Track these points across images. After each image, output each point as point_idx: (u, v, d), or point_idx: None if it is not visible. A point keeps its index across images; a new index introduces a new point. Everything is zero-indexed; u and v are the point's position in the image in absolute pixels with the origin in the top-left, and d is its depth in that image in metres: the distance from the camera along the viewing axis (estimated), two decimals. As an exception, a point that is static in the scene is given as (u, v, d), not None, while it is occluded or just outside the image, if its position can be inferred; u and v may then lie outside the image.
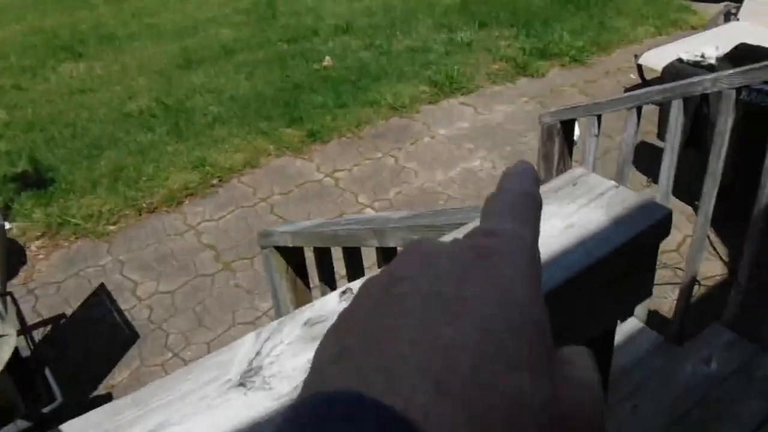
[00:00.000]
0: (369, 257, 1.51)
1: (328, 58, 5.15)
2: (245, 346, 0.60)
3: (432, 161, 4.02)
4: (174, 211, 3.54)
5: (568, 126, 2.16)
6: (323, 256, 1.73)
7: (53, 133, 4.16)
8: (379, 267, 1.36)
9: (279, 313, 1.89)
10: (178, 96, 4.62)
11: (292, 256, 1.86)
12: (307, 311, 0.62)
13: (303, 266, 1.92)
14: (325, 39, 5.57)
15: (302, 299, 1.95)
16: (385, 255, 1.31)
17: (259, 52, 5.40)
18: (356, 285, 0.66)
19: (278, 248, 1.83)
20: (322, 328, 0.61)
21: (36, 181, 3.65)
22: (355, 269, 1.53)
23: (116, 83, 4.83)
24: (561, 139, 2.11)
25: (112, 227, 3.40)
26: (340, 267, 1.69)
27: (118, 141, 4.07)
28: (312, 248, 1.74)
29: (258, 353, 0.59)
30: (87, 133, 4.18)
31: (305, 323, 0.62)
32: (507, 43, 5.39)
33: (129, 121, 4.32)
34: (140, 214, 3.47)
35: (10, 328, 0.89)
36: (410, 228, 1.20)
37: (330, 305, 0.64)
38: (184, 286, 3.06)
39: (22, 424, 0.81)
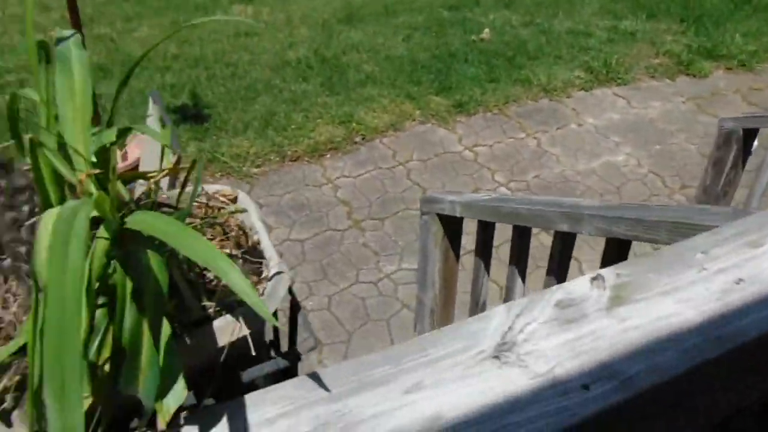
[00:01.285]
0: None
1: (486, 30, 4.95)
2: (496, 319, 0.60)
3: (576, 149, 3.78)
4: (315, 162, 3.53)
5: (749, 134, 1.92)
6: (485, 231, 1.64)
7: (215, 72, 4.25)
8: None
9: (423, 281, 1.82)
10: (335, 50, 4.58)
11: (450, 226, 1.77)
12: (558, 292, 0.62)
13: (458, 238, 1.83)
14: (485, 11, 5.35)
15: (450, 271, 1.86)
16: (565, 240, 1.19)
17: (420, 16, 5.26)
18: (606, 272, 0.65)
19: (439, 216, 1.75)
20: (574, 312, 0.62)
21: (194, 115, 3.74)
22: (521, 250, 1.44)
23: (280, 30, 4.86)
24: (738, 147, 1.88)
25: (255, 170, 3.44)
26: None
27: (273, 87, 4.10)
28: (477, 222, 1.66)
29: (510, 328, 0.60)
30: (246, 75, 4.23)
31: (556, 304, 0.62)
32: (673, 38, 4.96)
33: (286, 69, 4.33)
34: (283, 161, 3.48)
35: (284, 265, 0.83)
36: (612, 219, 1.08)
37: (580, 289, 0.63)
38: (315, 237, 3.05)
39: (281, 362, 0.78)
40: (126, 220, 0.70)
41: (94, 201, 0.70)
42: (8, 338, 0.92)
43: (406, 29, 5.02)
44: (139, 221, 0.69)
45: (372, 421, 0.78)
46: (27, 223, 0.86)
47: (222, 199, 0.99)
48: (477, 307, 2.11)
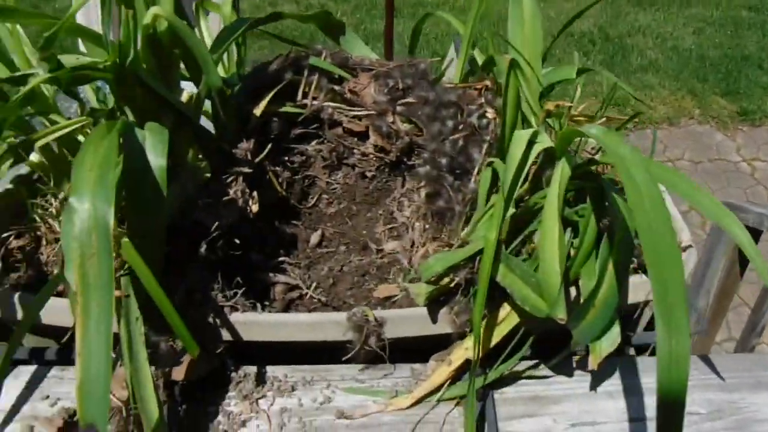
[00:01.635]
0: None
1: (792, 39, 4.43)
2: None
3: None
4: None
5: None
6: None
7: (499, 30, 4.23)
8: None
9: (698, 286, 1.70)
10: (621, 30, 4.36)
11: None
12: None
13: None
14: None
15: (731, 285, 1.71)
16: None
17: (715, 11, 4.84)
18: None
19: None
20: None
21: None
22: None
23: (566, 0, 4.72)
24: None
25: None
26: None
27: (552, 56, 4.00)
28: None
29: None
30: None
31: None
32: None
33: (567, 40, 4.21)
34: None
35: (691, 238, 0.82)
36: None
37: None
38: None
39: None
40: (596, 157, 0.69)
41: (561, 134, 0.69)
42: (398, 237, 0.98)
43: (698, 22, 4.64)
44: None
45: (768, 424, 0.72)
46: (451, 138, 0.89)
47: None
48: (753, 330, 1.93)
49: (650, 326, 0.85)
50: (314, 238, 0.97)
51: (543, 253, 0.64)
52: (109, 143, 0.62)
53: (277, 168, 0.95)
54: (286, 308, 0.86)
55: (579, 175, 0.73)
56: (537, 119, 0.80)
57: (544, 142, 0.72)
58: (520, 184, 0.71)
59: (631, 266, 0.78)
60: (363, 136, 0.98)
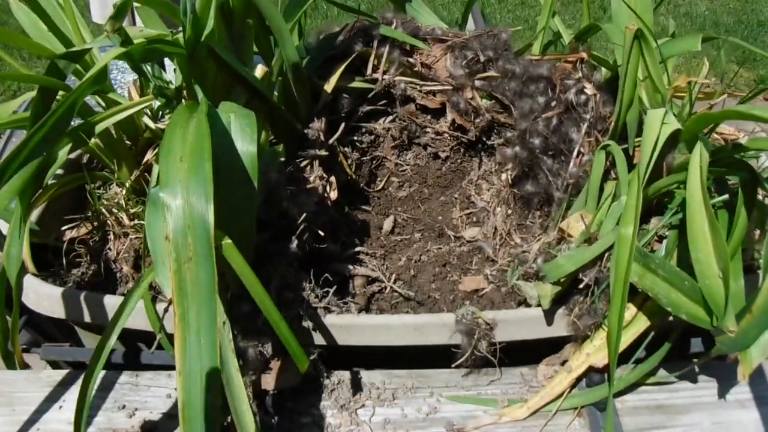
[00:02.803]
0: None
1: (807, 4, 4.34)
2: None
3: None
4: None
5: None
6: None
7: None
8: None
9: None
10: (632, -4, 4.24)
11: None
12: None
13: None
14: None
15: None
16: None
17: (727, -25, 4.72)
18: None
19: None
20: None
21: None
22: None
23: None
24: None
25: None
26: None
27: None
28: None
29: None
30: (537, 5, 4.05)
31: None
32: None
33: (576, 6, 4.09)
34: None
35: None
36: None
37: None
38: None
39: None
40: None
41: (699, 116, 0.61)
42: (478, 223, 0.90)
43: (711, -13, 4.53)
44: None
45: None
46: (544, 115, 0.81)
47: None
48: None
49: None
50: (387, 224, 0.89)
51: (696, 253, 0.56)
52: (199, 128, 0.54)
53: (346, 149, 0.87)
54: (368, 303, 0.78)
55: (719, 162, 0.65)
56: (659, 97, 0.72)
57: (672, 123, 0.64)
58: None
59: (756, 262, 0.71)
60: (437, 114, 0.90)
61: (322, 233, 0.72)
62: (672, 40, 0.78)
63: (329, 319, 0.66)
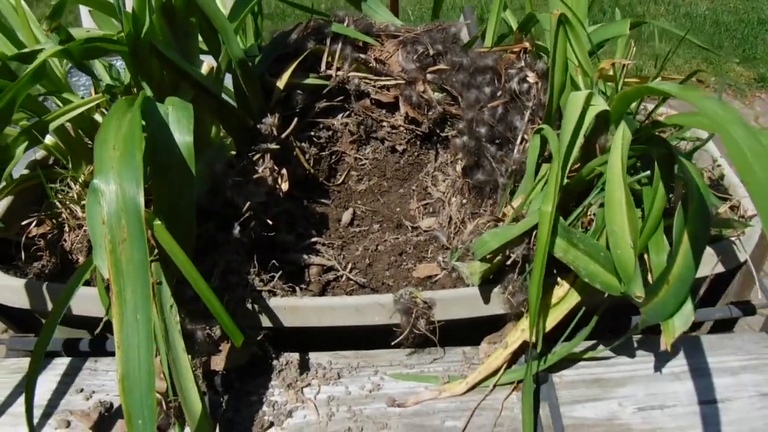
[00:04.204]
0: None
1: (808, 0, 4.32)
2: None
3: None
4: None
5: None
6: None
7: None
8: None
9: None
10: (631, -2, 4.26)
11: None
12: None
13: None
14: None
15: None
16: None
17: (727, -25, 4.72)
18: None
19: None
20: None
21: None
22: None
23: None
24: None
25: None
26: None
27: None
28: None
29: None
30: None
31: None
32: None
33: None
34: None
35: None
36: None
37: None
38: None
39: (735, 311, 0.72)
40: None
41: (621, 95, 0.63)
42: (434, 213, 0.93)
43: (711, -13, 4.54)
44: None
45: None
46: (489, 105, 0.84)
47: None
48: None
49: (708, 302, 0.80)
50: (346, 216, 0.92)
51: (612, 226, 0.58)
52: (132, 119, 0.57)
53: (303, 144, 0.90)
54: (323, 291, 0.81)
55: (640, 140, 0.67)
56: (588, 80, 0.74)
57: (599, 104, 0.66)
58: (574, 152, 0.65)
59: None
60: (392, 108, 0.93)
61: (271, 222, 0.75)
62: (602, 25, 0.80)
63: (274, 302, 0.69)
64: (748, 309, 0.76)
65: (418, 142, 0.94)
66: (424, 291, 0.70)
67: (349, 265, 0.84)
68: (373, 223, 0.92)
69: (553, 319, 0.67)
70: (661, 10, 4.13)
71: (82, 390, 0.70)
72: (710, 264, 0.71)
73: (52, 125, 0.71)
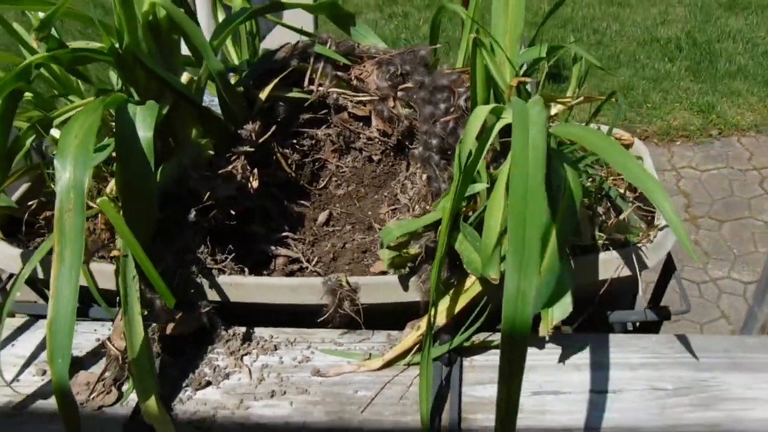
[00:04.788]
0: None
1: None
2: None
3: None
4: (663, 146, 3.30)
5: None
6: None
7: (582, 36, 4.16)
8: None
9: (763, 296, 1.62)
10: (710, 35, 4.19)
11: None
12: None
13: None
14: None
15: None
16: None
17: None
18: None
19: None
20: None
21: (553, 74, 3.71)
22: None
23: (653, 5, 4.57)
24: None
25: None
26: None
27: (636, 62, 3.89)
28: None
29: None
30: (612, 45, 4.08)
31: None
32: None
33: (653, 45, 4.08)
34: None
35: None
36: None
37: None
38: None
39: (650, 314, 0.77)
40: (551, 127, 0.70)
41: (538, 104, 0.69)
42: (400, 218, 1.01)
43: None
44: (565, 131, 0.68)
45: (740, 403, 0.70)
46: (442, 119, 0.92)
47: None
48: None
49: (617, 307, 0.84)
50: (322, 217, 1.01)
51: (488, 219, 0.65)
52: (95, 115, 0.69)
53: (286, 150, 1.01)
54: (285, 279, 0.90)
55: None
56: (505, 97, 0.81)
57: (508, 118, 0.73)
58: (482, 157, 0.73)
59: (601, 242, 0.78)
60: (368, 121, 1.02)
61: (234, 213, 0.86)
62: (527, 50, 0.87)
63: (221, 279, 0.79)
64: (662, 313, 0.80)
65: (392, 153, 1.03)
66: (351, 277, 0.78)
67: (315, 259, 0.94)
68: (347, 224, 1.02)
69: (459, 305, 0.74)
70: (739, 49, 4.03)
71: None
72: (613, 267, 0.76)
73: (56, 121, 0.85)
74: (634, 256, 0.76)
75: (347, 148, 1.04)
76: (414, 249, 0.75)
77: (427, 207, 0.98)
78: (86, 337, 0.83)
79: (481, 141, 0.72)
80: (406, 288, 0.77)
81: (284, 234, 0.96)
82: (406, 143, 1.01)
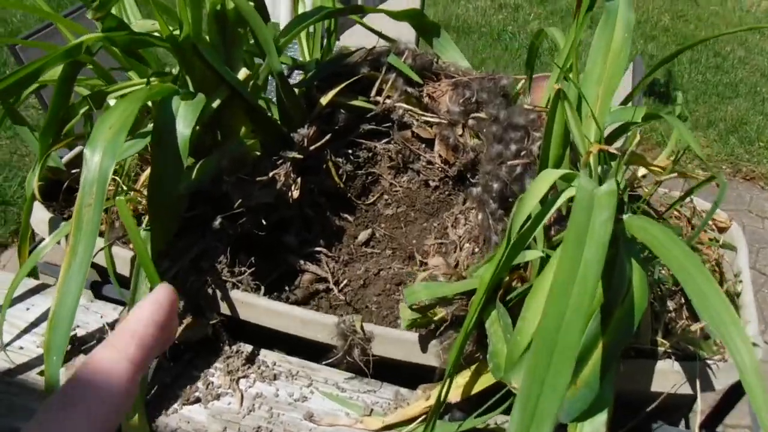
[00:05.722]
0: None
1: None
2: None
3: None
4: (766, 190, 3.05)
5: None
6: None
7: (700, 57, 3.88)
8: None
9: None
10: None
11: None
12: None
13: None
14: None
15: None
16: None
17: None
18: None
19: None
20: None
21: (661, 93, 3.49)
22: None
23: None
24: None
25: (699, 171, 3.10)
26: None
27: (756, 94, 3.60)
28: None
29: None
30: (732, 71, 3.79)
31: None
32: None
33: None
34: (734, 176, 3.08)
35: (759, 338, 0.74)
36: None
37: None
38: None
39: None
40: (623, 217, 0.61)
41: (610, 191, 0.60)
42: (446, 254, 0.94)
43: None
44: (638, 226, 0.59)
45: None
46: (510, 162, 0.83)
47: (710, 222, 0.85)
48: None
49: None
50: (363, 235, 0.95)
51: (528, 308, 0.58)
52: (134, 107, 0.65)
53: (339, 159, 0.95)
54: (308, 298, 0.85)
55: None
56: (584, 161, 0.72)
57: (572, 191, 0.64)
58: (540, 226, 0.64)
59: (663, 349, 0.68)
60: (431, 143, 0.95)
61: (265, 222, 0.81)
62: (619, 109, 0.76)
63: (233, 294, 0.75)
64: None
65: (450, 182, 0.95)
66: (367, 323, 0.72)
67: (344, 282, 0.88)
68: (387, 248, 0.95)
69: (479, 386, 0.67)
70: None
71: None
72: (668, 381, 0.66)
73: (110, 96, 0.82)
74: (700, 374, 0.66)
75: (404, 167, 0.97)
76: (440, 313, 0.68)
77: (476, 249, 0.90)
78: (95, 317, 0.81)
79: (543, 208, 0.64)
80: (424, 350, 0.70)
81: (318, 249, 0.90)
82: (468, 175, 0.93)
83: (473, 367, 0.68)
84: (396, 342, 0.71)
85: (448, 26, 3.94)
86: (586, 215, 0.50)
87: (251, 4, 0.76)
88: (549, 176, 0.63)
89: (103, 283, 0.86)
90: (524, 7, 4.36)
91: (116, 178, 0.82)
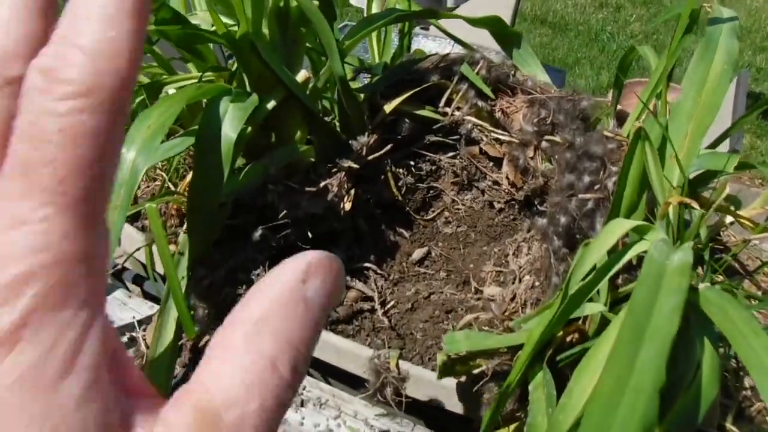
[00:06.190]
0: None
1: None
2: None
3: None
4: None
5: None
6: None
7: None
8: None
9: None
10: None
11: None
12: None
13: None
14: None
15: None
16: None
17: None
18: None
19: None
20: None
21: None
22: None
23: None
24: None
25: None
26: None
27: None
28: None
29: None
30: None
31: None
32: None
33: None
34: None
35: None
36: None
37: None
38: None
39: None
40: (699, 287, 0.52)
41: (682, 265, 0.52)
42: (503, 283, 0.87)
43: None
44: (715, 305, 0.50)
45: None
46: (581, 195, 0.76)
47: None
48: None
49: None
50: (418, 253, 0.89)
51: (574, 384, 0.50)
52: (177, 107, 0.62)
53: (400, 170, 0.89)
54: (351, 317, 0.81)
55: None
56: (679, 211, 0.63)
57: (644, 245, 0.56)
58: (605, 280, 0.57)
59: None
60: (499, 163, 0.88)
61: (311, 234, 0.76)
62: (712, 153, 0.67)
63: (268, 311, 0.71)
64: None
65: (517, 206, 0.88)
66: (404, 361, 0.66)
67: (392, 302, 0.83)
68: (442, 270, 0.89)
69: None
70: None
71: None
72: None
73: (166, 87, 0.79)
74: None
75: (469, 184, 0.90)
76: (481, 366, 0.62)
77: (537, 283, 0.83)
78: (130, 313, 0.79)
79: (609, 260, 0.56)
80: (461, 399, 0.64)
81: (367, 264, 0.85)
82: (536, 202, 0.86)
83: (512, 426, 0.61)
84: (432, 386, 0.65)
85: (544, 21, 3.79)
86: (649, 300, 0.42)
87: (315, 2, 0.70)
88: (619, 227, 0.56)
89: (146, 279, 0.83)
90: (626, 8, 4.14)
91: (163, 174, 0.79)
